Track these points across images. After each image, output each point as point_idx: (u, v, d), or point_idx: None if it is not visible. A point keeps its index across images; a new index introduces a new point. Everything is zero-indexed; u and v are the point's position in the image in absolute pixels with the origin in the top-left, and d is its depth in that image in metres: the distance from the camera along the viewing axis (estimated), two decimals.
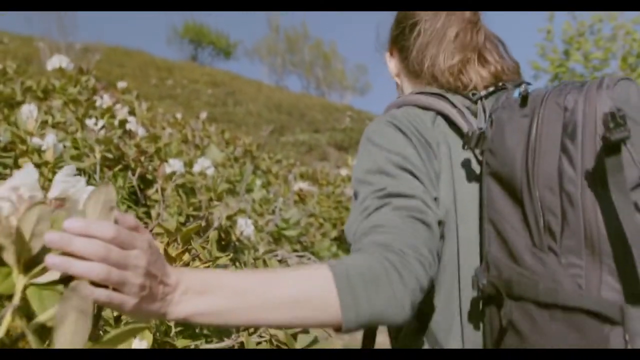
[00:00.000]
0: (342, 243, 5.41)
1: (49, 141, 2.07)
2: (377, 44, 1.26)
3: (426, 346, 0.96)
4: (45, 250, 0.69)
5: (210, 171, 3.26)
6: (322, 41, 41.96)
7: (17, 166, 2.08)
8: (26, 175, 0.76)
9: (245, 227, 2.93)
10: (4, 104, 2.58)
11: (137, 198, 2.64)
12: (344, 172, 7.56)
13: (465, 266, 0.94)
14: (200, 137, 4.90)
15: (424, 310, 0.95)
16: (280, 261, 3.94)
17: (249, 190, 4.47)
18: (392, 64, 1.21)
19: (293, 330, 1.73)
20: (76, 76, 3.24)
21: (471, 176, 0.96)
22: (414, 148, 0.96)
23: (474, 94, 1.04)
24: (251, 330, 1.76)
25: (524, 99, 0.90)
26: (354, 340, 3.67)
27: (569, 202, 0.81)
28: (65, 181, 0.83)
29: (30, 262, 0.67)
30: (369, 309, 0.77)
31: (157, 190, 2.62)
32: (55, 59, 3.22)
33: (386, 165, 0.94)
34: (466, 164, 0.97)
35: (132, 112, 3.52)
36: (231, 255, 1.74)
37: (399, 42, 1.17)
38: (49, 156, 2.08)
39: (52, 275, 0.68)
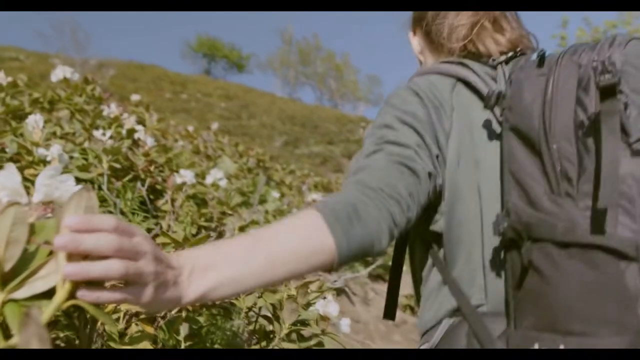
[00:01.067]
0: None
1: (54, 151, 2.02)
2: (399, 24, 1.33)
3: (450, 298, 1.00)
4: (25, 259, 0.63)
5: (223, 182, 3.20)
6: (334, 53, 42.05)
7: (23, 178, 2.03)
8: (7, 179, 0.70)
9: None
10: (13, 116, 2.54)
11: (147, 209, 2.58)
12: None
13: (488, 221, 0.97)
14: (212, 149, 4.85)
15: (448, 264, 1.01)
16: None
17: (262, 201, 4.41)
18: (415, 41, 1.26)
19: (307, 342, 1.65)
20: (81, 86, 3.19)
21: (492, 136, 1.01)
22: (424, 108, 1.01)
23: (493, 60, 1.09)
24: (263, 343, 1.69)
25: (541, 60, 0.95)
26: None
27: (585, 149, 0.85)
28: (48, 184, 0.76)
29: (8, 275, 0.60)
30: (354, 237, 0.83)
31: (167, 201, 2.56)
32: (59, 70, 3.17)
33: (392, 120, 1.01)
34: (487, 125, 1.01)
35: (141, 123, 3.47)
36: None
37: (421, 19, 1.22)
38: None
39: (32, 289, 0.61)
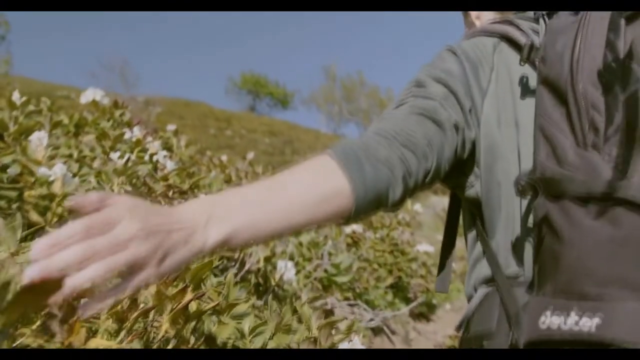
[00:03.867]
0: (399, 290, 5.03)
1: (57, 171, 1.84)
2: None
3: (487, 266, 0.96)
4: None
5: None
6: (378, 88, 42.09)
7: (22, 200, 1.86)
8: None
9: (285, 270, 2.63)
10: (26, 136, 2.40)
11: None
12: (400, 215, 7.19)
13: None
14: (247, 178, 4.67)
15: (488, 230, 0.97)
16: (330, 311, 3.60)
17: (296, 233, 4.18)
18: None
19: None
20: (110, 110, 3.05)
21: (530, 93, 0.94)
22: (460, 65, 0.98)
23: (535, 13, 1.01)
24: None
25: None
26: None
27: (612, 95, 0.79)
28: None
29: None
30: (369, 177, 0.81)
31: None
32: (89, 92, 3.05)
33: (423, 77, 0.98)
34: (525, 83, 0.95)
35: (168, 148, 3.31)
36: (249, 300, 1.43)
37: None
38: (56, 188, 1.84)
39: None
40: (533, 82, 0.93)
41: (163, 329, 1.17)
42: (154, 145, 2.78)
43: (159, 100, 24.11)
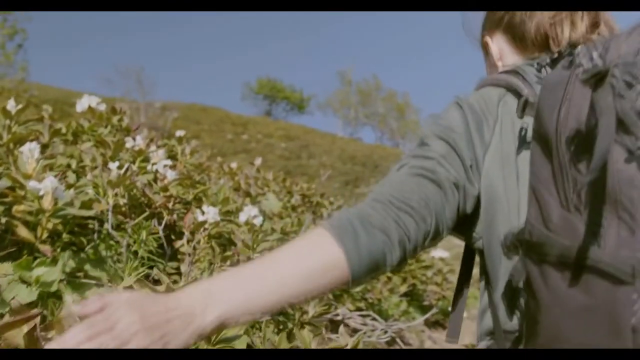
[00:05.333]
0: (413, 299, 4.90)
1: (48, 185, 1.75)
2: (468, 35, 1.25)
3: (490, 320, 0.96)
4: None
5: (258, 221, 2.89)
6: (395, 93, 41.89)
7: (10, 216, 1.77)
8: None
9: None
10: (20, 146, 2.32)
11: (164, 251, 2.29)
12: None
13: None
14: (257, 185, 4.57)
15: (491, 283, 0.97)
16: (340, 321, 3.49)
17: None
18: (495, 46, 1.16)
19: None
20: (107, 116, 2.97)
21: (529, 145, 0.90)
22: (464, 120, 0.97)
23: (538, 64, 1.00)
24: None
25: (575, 57, 0.86)
26: None
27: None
28: None
29: None
30: (363, 246, 0.83)
31: (187, 242, 2.27)
32: (85, 100, 2.98)
33: (427, 135, 0.98)
34: (524, 134, 0.93)
35: (173, 156, 3.22)
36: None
37: (505, 20, 1.13)
38: (46, 203, 1.75)
39: None
40: (530, 136, 0.91)
41: None
42: (157, 153, 2.69)
43: (175, 106, 24.23)
